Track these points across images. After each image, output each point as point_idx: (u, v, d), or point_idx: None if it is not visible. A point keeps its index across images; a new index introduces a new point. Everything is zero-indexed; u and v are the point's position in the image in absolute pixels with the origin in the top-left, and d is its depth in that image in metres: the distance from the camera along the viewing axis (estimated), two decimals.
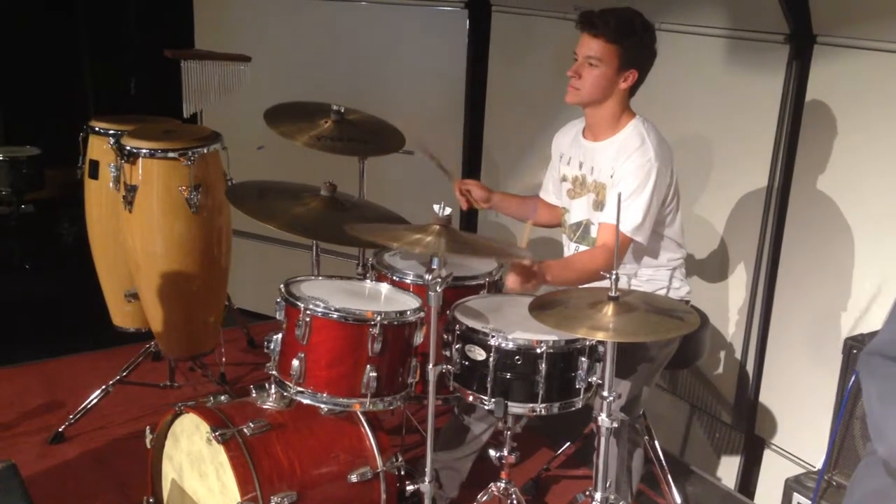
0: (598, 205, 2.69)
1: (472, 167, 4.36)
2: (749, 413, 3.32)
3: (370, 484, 2.57)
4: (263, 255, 4.59)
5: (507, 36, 4.18)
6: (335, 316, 2.44)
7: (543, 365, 2.40)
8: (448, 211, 2.35)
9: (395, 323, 2.47)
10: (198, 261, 3.27)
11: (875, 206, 2.85)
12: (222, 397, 2.67)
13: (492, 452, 2.65)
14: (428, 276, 2.36)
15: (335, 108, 3.12)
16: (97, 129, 3.42)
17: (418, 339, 2.53)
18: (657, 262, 2.76)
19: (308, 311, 2.44)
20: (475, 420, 2.85)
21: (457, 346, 2.50)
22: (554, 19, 3.85)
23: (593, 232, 2.71)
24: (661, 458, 2.99)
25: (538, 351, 2.40)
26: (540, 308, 2.30)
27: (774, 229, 3.17)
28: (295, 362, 2.45)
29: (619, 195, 2.33)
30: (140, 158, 3.15)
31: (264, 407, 2.58)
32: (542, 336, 2.40)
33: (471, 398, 2.50)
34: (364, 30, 4.35)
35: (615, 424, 2.38)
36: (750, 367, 3.31)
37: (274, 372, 2.55)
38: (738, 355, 3.35)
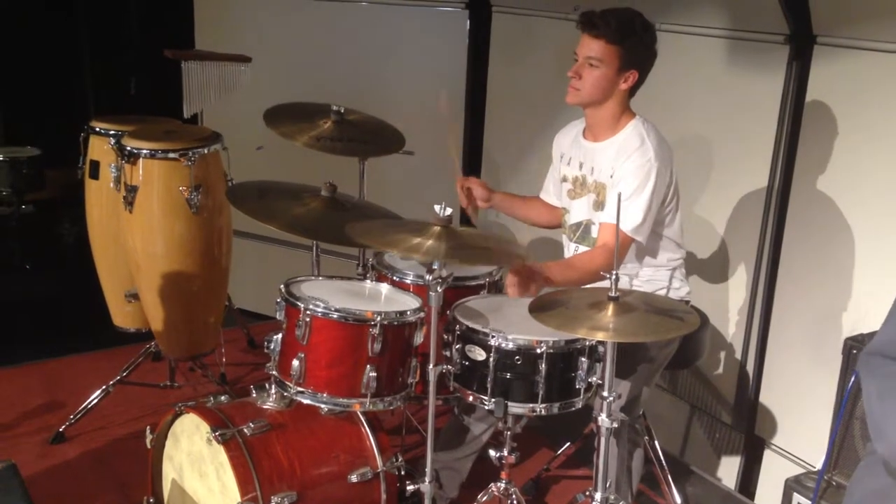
0: (599, 205, 2.69)
1: (472, 167, 4.35)
2: (749, 413, 3.33)
3: (370, 484, 2.57)
4: (264, 255, 4.59)
5: (508, 36, 4.18)
6: (335, 316, 2.44)
7: (543, 365, 2.40)
8: (449, 211, 2.35)
9: (395, 323, 2.47)
10: (198, 261, 3.27)
11: (875, 206, 2.85)
12: (222, 397, 2.67)
13: (492, 452, 2.65)
14: (428, 277, 2.36)
15: (335, 108, 3.12)
16: (98, 129, 3.42)
17: (418, 339, 2.54)
18: (657, 263, 2.76)
19: (308, 312, 2.44)
20: (475, 420, 2.85)
21: (457, 347, 2.50)
22: (554, 20, 3.85)
23: (594, 232, 2.71)
24: (662, 458, 2.99)
25: (538, 351, 2.40)
26: (540, 308, 2.30)
27: (774, 229, 3.17)
28: (295, 362, 2.45)
29: (620, 195, 2.33)
30: (141, 159, 3.15)
31: (264, 407, 2.58)
32: (542, 336, 2.40)
33: (471, 398, 2.50)
34: (364, 30, 4.35)
35: (615, 424, 2.38)
36: (750, 368, 3.31)
37: (274, 372, 2.55)
38: (738, 355, 3.35)
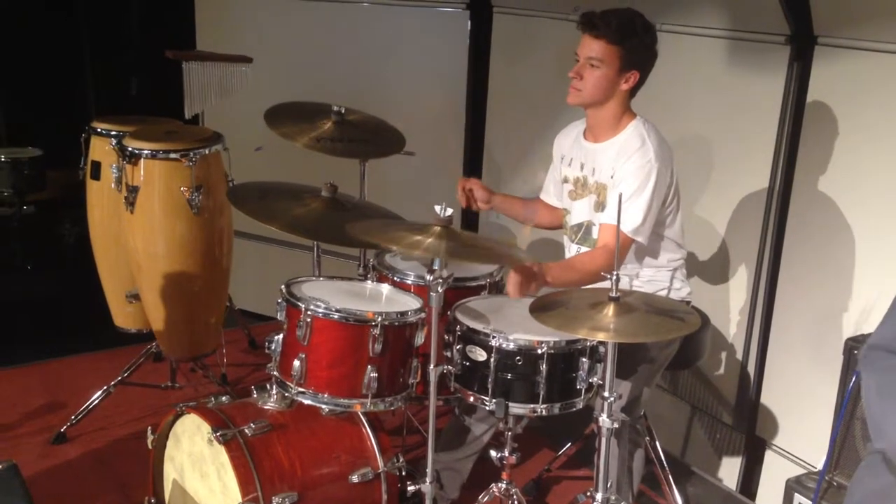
0: (600, 206, 2.69)
1: (473, 168, 4.36)
2: (750, 414, 3.32)
3: (371, 484, 2.57)
4: (264, 255, 4.59)
5: (509, 37, 4.18)
6: (336, 316, 2.44)
7: (544, 365, 2.40)
8: (449, 212, 2.35)
9: (396, 324, 2.48)
10: (199, 262, 3.27)
11: (876, 207, 2.85)
12: (223, 398, 2.67)
13: (493, 453, 2.65)
14: (429, 277, 2.36)
15: (335, 108, 3.12)
16: (99, 129, 3.42)
17: (419, 339, 2.54)
18: (657, 263, 2.76)
19: (309, 312, 2.44)
20: (476, 421, 2.85)
21: (458, 347, 2.50)
22: (555, 20, 3.85)
23: (594, 233, 2.71)
24: (662, 458, 2.99)
25: (539, 351, 2.40)
26: (541, 309, 2.30)
27: (775, 230, 3.17)
28: (296, 363, 2.45)
29: (620, 196, 2.33)
30: (142, 159, 3.15)
31: (265, 407, 2.58)
32: (542, 337, 2.40)
33: (472, 399, 2.50)
34: (364, 30, 4.35)
35: (616, 425, 2.38)
36: (751, 368, 3.31)
37: (275, 372, 2.55)
38: (739, 356, 3.35)
